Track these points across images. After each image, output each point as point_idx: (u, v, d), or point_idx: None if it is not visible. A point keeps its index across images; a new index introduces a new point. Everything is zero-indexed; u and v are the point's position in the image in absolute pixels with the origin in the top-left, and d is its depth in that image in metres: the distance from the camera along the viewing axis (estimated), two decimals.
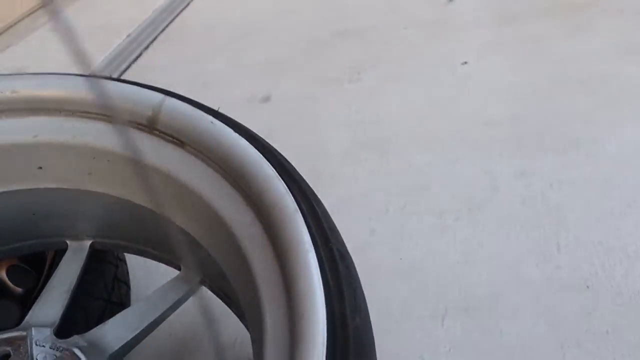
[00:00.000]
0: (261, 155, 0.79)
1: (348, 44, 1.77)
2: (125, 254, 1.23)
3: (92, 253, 1.10)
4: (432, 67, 1.66)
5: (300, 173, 0.80)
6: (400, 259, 1.15)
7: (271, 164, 0.79)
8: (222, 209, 0.84)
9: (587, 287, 1.03)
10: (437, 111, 1.54)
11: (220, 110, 0.86)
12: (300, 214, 0.74)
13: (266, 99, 1.42)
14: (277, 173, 0.77)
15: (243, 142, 0.81)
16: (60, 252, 1.07)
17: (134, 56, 2.13)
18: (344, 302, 0.70)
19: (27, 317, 0.95)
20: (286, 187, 0.76)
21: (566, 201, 1.23)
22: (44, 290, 1.04)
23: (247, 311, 0.82)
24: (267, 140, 0.82)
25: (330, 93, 1.53)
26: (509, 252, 1.16)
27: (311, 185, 0.79)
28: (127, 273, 1.20)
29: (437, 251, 1.17)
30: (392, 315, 1.06)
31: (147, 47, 2.16)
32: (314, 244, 0.73)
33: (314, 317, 0.66)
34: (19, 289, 1.08)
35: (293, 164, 0.80)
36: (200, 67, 1.93)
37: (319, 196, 0.79)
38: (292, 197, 0.76)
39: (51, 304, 0.99)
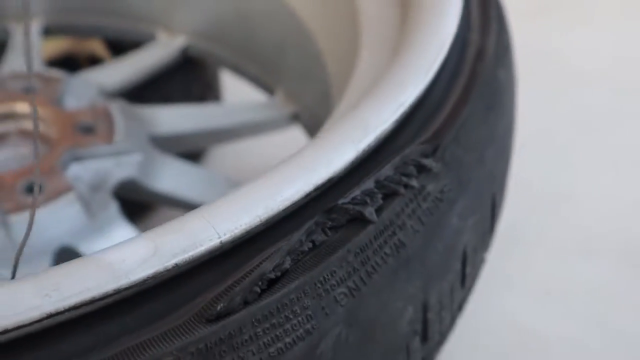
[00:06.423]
0: None
1: None
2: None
3: (182, 61, 0.89)
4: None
5: None
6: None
7: None
8: None
9: None
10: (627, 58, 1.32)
11: None
12: None
13: None
14: None
15: None
16: None
17: None
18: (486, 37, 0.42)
19: (82, 73, 0.75)
20: None
21: None
22: (113, 60, 0.84)
23: None
24: None
25: (512, 24, 1.37)
26: None
27: None
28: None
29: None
30: None
31: None
32: None
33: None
34: None
35: None
36: None
37: None
38: None
39: (111, 71, 0.78)
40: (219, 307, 0.24)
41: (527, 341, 0.73)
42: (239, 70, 0.88)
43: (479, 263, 0.42)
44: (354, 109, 0.33)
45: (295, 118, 0.79)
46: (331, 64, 0.68)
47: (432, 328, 0.34)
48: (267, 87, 0.86)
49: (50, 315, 0.22)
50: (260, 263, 0.25)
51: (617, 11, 1.48)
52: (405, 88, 0.34)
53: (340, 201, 0.29)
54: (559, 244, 0.88)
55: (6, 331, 0.21)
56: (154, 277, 0.24)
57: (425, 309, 0.33)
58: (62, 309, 0.22)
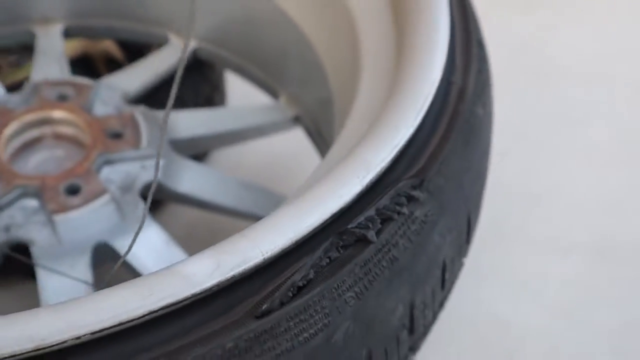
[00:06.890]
0: None
1: None
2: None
3: (192, 63, 0.97)
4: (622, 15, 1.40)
5: None
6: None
7: None
8: None
9: None
10: (613, 54, 1.33)
11: None
12: None
13: None
14: None
15: None
16: None
17: None
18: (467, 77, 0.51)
19: (106, 79, 0.83)
20: None
21: None
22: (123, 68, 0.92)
23: None
24: None
25: (497, 21, 1.33)
26: None
27: None
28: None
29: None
30: None
31: None
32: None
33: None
34: None
35: None
36: None
37: None
38: None
39: (131, 76, 0.86)
40: (263, 307, 0.34)
41: (503, 332, 0.79)
42: (245, 73, 0.95)
43: (457, 269, 0.52)
44: (358, 149, 0.43)
45: (297, 120, 0.87)
46: (332, 75, 0.74)
47: (418, 323, 0.44)
48: (271, 90, 0.93)
49: (149, 313, 0.31)
50: (292, 274, 0.35)
51: (602, 8, 1.40)
52: (399, 131, 0.43)
53: (349, 226, 0.39)
54: (536, 241, 0.91)
55: (121, 323, 0.30)
56: (218, 285, 0.33)
57: (412, 307, 0.43)
58: (157, 308, 0.31)
